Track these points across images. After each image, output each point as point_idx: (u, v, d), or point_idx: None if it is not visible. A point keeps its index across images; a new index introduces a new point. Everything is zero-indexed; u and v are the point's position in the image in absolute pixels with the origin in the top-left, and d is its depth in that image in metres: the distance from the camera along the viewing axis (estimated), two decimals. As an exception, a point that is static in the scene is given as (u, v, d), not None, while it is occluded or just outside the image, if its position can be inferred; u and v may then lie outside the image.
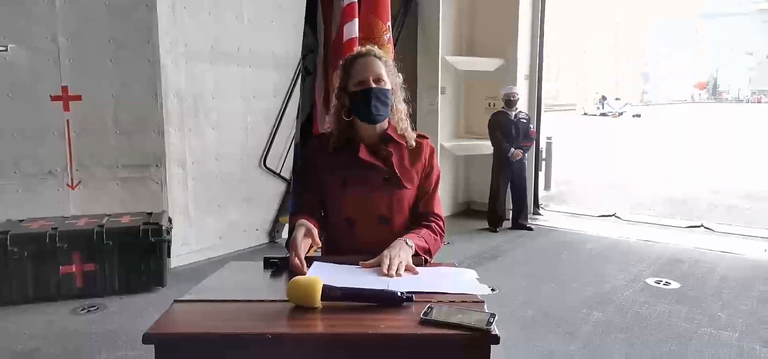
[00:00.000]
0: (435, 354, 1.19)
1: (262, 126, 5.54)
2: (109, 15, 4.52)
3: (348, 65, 1.81)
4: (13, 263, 3.95)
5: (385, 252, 1.59)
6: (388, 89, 1.77)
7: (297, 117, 3.12)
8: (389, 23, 2.90)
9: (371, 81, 1.74)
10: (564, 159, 11.08)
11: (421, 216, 1.84)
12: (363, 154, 1.78)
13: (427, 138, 1.90)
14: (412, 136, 1.83)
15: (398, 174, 1.79)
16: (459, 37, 7.02)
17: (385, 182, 1.78)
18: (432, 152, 1.89)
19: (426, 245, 1.73)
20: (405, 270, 1.55)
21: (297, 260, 1.55)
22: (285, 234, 5.34)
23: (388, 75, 1.79)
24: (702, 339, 3.49)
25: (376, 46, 1.85)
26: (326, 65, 2.91)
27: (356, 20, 2.81)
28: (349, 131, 1.81)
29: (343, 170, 1.79)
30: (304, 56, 3.02)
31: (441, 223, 1.86)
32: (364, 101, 1.74)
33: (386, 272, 1.51)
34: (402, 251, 1.61)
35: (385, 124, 1.81)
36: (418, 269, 1.58)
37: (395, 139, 1.81)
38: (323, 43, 2.93)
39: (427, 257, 1.73)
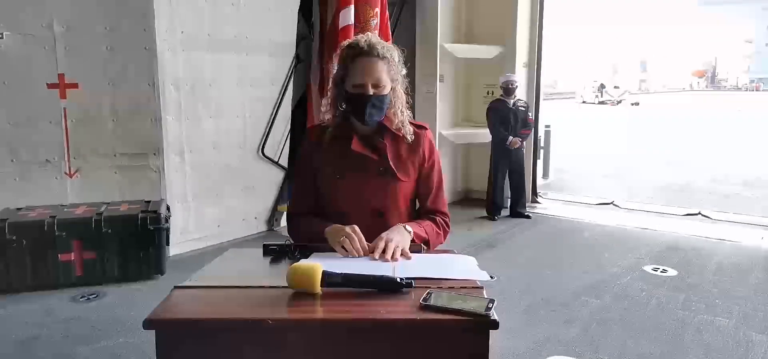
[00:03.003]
0: (435, 339, 1.20)
1: (259, 114, 5.52)
2: (105, 2, 4.49)
3: (348, 59, 1.72)
4: (11, 252, 3.95)
5: (383, 235, 1.58)
6: (385, 95, 1.71)
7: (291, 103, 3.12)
8: (377, 9, 2.89)
9: (369, 87, 1.68)
10: (562, 147, 11.08)
11: (428, 212, 1.83)
12: (355, 145, 1.74)
13: (426, 128, 1.85)
14: (409, 130, 1.78)
15: (393, 166, 1.75)
16: (457, 24, 6.99)
17: (379, 174, 1.75)
18: (431, 145, 1.84)
19: (425, 236, 1.73)
20: (400, 254, 1.54)
21: (357, 240, 1.55)
22: (283, 222, 5.34)
23: (389, 72, 1.72)
24: (699, 326, 3.51)
25: (380, 41, 1.75)
26: (322, 52, 2.90)
27: (352, 7, 2.80)
28: (345, 120, 1.78)
29: (338, 161, 1.76)
30: (297, 44, 3.01)
31: (447, 220, 1.85)
32: (359, 107, 1.70)
33: (376, 255, 1.51)
34: (398, 234, 1.61)
35: (382, 117, 1.76)
36: (417, 255, 1.58)
37: (391, 130, 1.77)
38: (319, 30, 2.92)
39: (425, 247, 1.72)
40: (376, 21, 2.87)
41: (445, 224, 1.83)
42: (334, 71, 1.79)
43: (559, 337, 3.36)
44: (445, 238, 1.83)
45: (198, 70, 5.02)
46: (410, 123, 1.81)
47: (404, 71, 1.80)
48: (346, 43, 1.79)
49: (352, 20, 2.78)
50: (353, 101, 1.72)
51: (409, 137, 1.78)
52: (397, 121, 1.77)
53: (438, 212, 1.84)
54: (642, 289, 4.13)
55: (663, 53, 70.24)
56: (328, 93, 1.82)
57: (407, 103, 1.80)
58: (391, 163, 1.75)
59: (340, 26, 2.77)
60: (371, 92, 1.69)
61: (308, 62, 2.98)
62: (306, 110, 2.95)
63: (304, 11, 3.00)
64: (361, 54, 1.70)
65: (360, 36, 1.79)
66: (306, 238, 1.70)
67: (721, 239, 5.44)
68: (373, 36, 1.78)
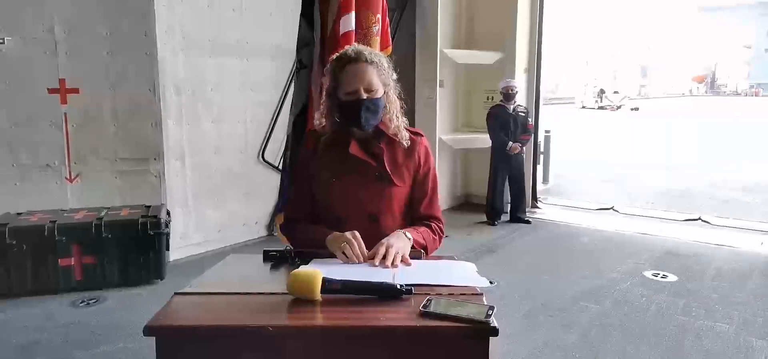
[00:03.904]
0: (434, 346, 1.20)
1: (260, 119, 5.53)
2: (106, 6, 4.51)
3: (337, 69, 1.75)
4: (12, 256, 3.95)
5: (384, 241, 1.59)
6: (378, 98, 1.73)
7: (291, 109, 3.11)
8: (379, 15, 2.89)
9: (362, 91, 1.70)
10: (562, 152, 11.09)
11: (421, 218, 1.84)
12: (353, 149, 1.76)
13: (422, 136, 1.88)
14: (405, 135, 1.80)
15: (389, 171, 1.77)
16: (458, 30, 7.01)
17: (376, 179, 1.76)
18: (427, 151, 1.86)
19: (423, 242, 1.74)
20: (400, 260, 1.55)
21: (357, 247, 1.56)
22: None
23: (380, 76, 1.74)
24: (699, 332, 3.51)
25: (367, 48, 1.80)
26: (323, 58, 2.90)
27: (353, 14, 2.80)
28: (341, 128, 1.79)
29: (334, 166, 1.77)
30: (299, 49, 3.01)
31: (441, 225, 1.86)
32: (354, 112, 1.72)
33: (376, 261, 1.52)
34: (398, 240, 1.61)
35: (378, 121, 1.78)
36: (417, 261, 1.59)
37: (388, 135, 1.79)
38: (320, 37, 2.92)
39: (424, 253, 1.73)
40: (377, 27, 2.87)
41: (439, 230, 1.85)
42: (327, 84, 1.81)
43: (558, 343, 3.36)
44: (439, 243, 1.85)
45: (199, 75, 5.03)
46: (406, 129, 1.83)
47: (395, 77, 1.82)
48: (334, 56, 1.82)
49: (352, 26, 2.78)
50: (347, 108, 1.73)
51: (405, 143, 1.80)
52: (393, 126, 1.79)
53: (432, 218, 1.85)
54: (641, 294, 4.13)
55: (663, 58, 70.24)
56: (322, 106, 1.83)
57: (402, 108, 1.82)
58: (387, 168, 1.77)
59: (341, 32, 2.77)
60: (364, 96, 1.71)
61: (310, 68, 2.98)
62: (307, 117, 2.95)
63: (307, 16, 3.00)
64: (350, 61, 1.73)
65: (347, 47, 1.83)
66: (303, 244, 1.71)
67: (721, 245, 5.44)
68: (359, 45, 1.83)
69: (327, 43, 2.86)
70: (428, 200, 1.86)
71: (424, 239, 1.75)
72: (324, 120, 1.80)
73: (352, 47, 1.80)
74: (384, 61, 1.78)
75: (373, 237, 1.63)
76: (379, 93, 1.74)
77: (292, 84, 3.84)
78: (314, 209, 1.82)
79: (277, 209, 2.92)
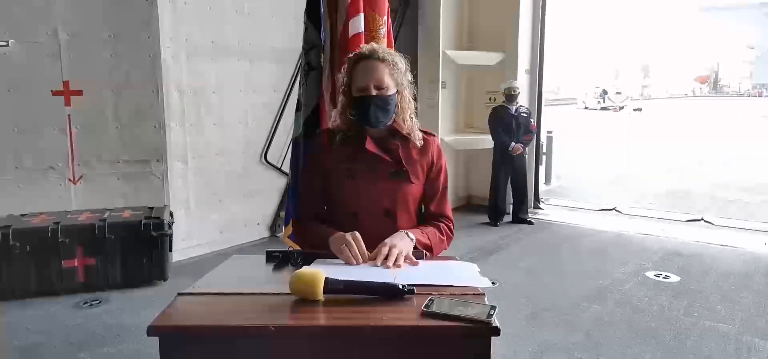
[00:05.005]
0: (436, 346, 1.21)
1: (262, 120, 5.54)
2: (109, 9, 4.52)
3: (351, 66, 1.78)
4: (15, 258, 3.96)
5: (386, 241, 1.59)
6: (389, 96, 1.74)
7: (297, 111, 3.11)
8: (385, 17, 2.90)
9: (372, 88, 1.72)
10: (564, 153, 11.08)
11: (431, 216, 1.85)
12: (370, 145, 1.77)
13: (434, 135, 1.90)
14: (418, 135, 1.82)
15: (405, 168, 1.78)
16: (459, 30, 7.01)
17: (391, 176, 1.78)
18: (439, 150, 1.88)
19: (427, 242, 1.74)
20: (403, 261, 1.55)
21: (357, 248, 1.56)
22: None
23: (393, 75, 1.75)
24: (701, 332, 3.50)
25: (383, 46, 1.83)
26: (333, 61, 2.90)
27: (362, 15, 2.81)
28: (356, 126, 1.80)
29: (349, 161, 1.78)
30: (306, 51, 3.01)
31: (451, 225, 1.86)
32: (364, 109, 1.73)
33: (378, 262, 1.52)
34: (402, 241, 1.62)
35: (390, 120, 1.80)
36: (419, 261, 1.59)
37: (402, 135, 1.80)
38: (329, 39, 2.93)
39: (428, 254, 1.73)
40: (384, 30, 2.88)
41: (448, 230, 1.85)
42: (342, 83, 1.83)
43: (561, 343, 3.36)
44: (448, 244, 1.85)
45: (201, 77, 5.05)
46: (419, 130, 1.85)
47: (410, 78, 1.83)
48: (350, 55, 1.84)
49: (362, 28, 2.79)
50: (358, 105, 1.75)
51: (419, 142, 1.82)
52: (406, 126, 1.80)
53: (442, 216, 1.86)
54: (644, 295, 4.13)
55: (665, 59, 70.06)
56: (338, 104, 1.85)
57: (415, 110, 1.85)
58: (403, 165, 1.78)
59: (351, 34, 2.78)
60: (374, 92, 1.72)
61: (321, 70, 2.98)
62: (318, 119, 2.95)
63: (313, 18, 3.00)
64: (362, 58, 1.76)
65: (363, 45, 1.85)
66: (314, 245, 1.72)
67: (724, 245, 5.43)
68: (375, 44, 1.86)
69: (337, 46, 2.86)
70: (439, 199, 1.87)
71: (429, 239, 1.75)
72: (338, 118, 1.82)
73: (368, 46, 1.82)
74: (400, 62, 1.79)
75: (388, 234, 1.64)
76: (391, 91, 1.75)
77: (296, 85, 3.84)
78: (329, 206, 1.83)
79: (288, 216, 2.90)
